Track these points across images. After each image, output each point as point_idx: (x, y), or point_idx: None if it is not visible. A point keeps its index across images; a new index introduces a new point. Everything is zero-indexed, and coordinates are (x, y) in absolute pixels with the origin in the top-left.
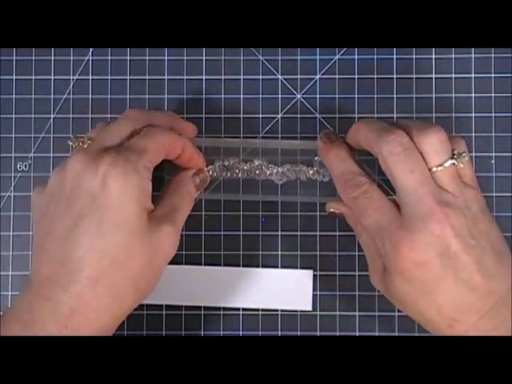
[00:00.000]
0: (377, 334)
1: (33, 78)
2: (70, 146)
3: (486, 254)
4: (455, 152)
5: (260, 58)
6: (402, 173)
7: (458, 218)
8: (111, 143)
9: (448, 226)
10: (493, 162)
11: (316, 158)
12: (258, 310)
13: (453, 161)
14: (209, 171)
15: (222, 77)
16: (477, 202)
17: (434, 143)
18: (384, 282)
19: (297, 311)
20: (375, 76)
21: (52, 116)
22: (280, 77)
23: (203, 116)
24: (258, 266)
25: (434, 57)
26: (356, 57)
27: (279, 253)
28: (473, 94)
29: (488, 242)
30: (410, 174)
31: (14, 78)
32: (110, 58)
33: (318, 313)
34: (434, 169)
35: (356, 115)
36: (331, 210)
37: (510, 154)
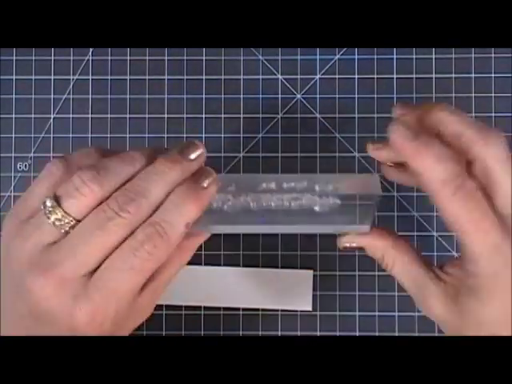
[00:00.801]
0: (377, 334)
1: (33, 77)
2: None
3: None
4: None
5: (260, 57)
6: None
7: None
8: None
9: None
10: None
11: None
12: (258, 309)
13: None
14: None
15: (222, 77)
16: None
17: None
18: (456, 305)
19: (297, 311)
20: (375, 76)
21: (52, 116)
22: (280, 77)
23: (203, 116)
24: (258, 266)
25: (434, 57)
26: (356, 57)
27: (279, 253)
28: (473, 94)
29: None
30: None
31: (14, 77)
32: (109, 58)
33: (318, 313)
34: None
35: (356, 115)
36: (347, 244)
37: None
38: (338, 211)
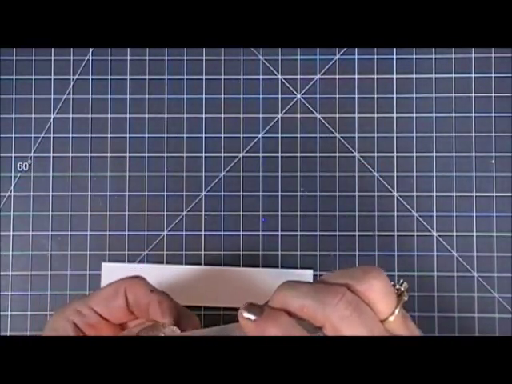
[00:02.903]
0: None
1: (33, 77)
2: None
3: None
4: (397, 287)
5: (260, 57)
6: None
7: None
8: None
9: None
10: (493, 161)
11: None
12: None
13: (401, 302)
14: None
15: (222, 77)
16: (416, 330)
17: (380, 289)
18: None
19: None
20: (375, 76)
21: (52, 116)
22: (280, 77)
23: (203, 116)
24: (258, 266)
25: (434, 57)
26: (356, 57)
27: (279, 253)
28: (473, 94)
29: None
30: (370, 334)
31: (14, 77)
32: (109, 58)
33: None
34: (390, 318)
35: (356, 115)
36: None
37: (509, 154)
38: None
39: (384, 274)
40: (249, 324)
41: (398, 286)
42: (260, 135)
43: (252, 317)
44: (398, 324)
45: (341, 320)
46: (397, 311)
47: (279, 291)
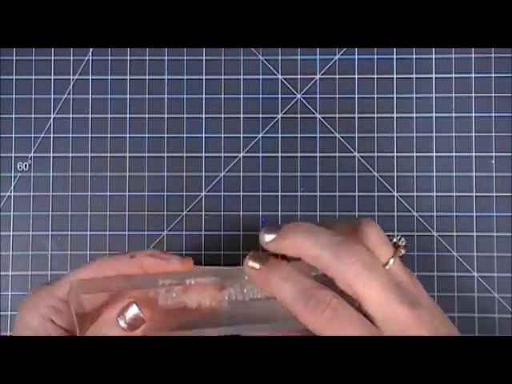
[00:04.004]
0: None
1: (33, 77)
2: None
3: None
4: (394, 241)
5: (260, 57)
6: (374, 291)
7: (427, 316)
8: None
9: (422, 328)
10: (493, 161)
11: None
12: None
13: (398, 253)
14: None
15: (222, 77)
16: (418, 281)
17: (378, 234)
18: None
19: None
20: (375, 76)
21: (52, 116)
22: (280, 77)
23: (203, 116)
24: None
25: (434, 57)
26: (356, 57)
27: None
28: (473, 94)
29: (439, 316)
30: (382, 290)
31: (14, 77)
32: (109, 58)
33: None
34: (391, 261)
35: (356, 115)
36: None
37: (510, 154)
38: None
39: (377, 225)
40: (253, 272)
41: (395, 240)
42: (260, 135)
43: (256, 265)
44: (399, 267)
45: (356, 276)
46: (391, 261)
47: (296, 234)
